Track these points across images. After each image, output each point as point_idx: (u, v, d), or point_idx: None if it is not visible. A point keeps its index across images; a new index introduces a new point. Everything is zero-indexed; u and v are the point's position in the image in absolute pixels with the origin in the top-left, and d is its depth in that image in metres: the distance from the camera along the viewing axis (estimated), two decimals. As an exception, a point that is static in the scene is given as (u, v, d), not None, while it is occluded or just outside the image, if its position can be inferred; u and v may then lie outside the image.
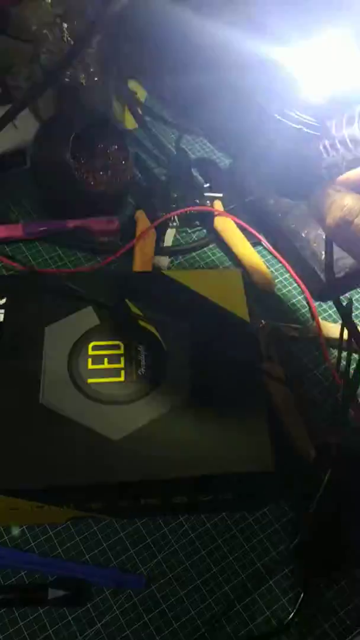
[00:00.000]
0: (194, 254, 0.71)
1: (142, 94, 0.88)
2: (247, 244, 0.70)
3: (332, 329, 0.64)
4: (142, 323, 0.54)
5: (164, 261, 0.69)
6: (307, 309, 0.67)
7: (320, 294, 0.68)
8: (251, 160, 0.43)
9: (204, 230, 0.73)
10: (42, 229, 0.69)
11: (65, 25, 0.71)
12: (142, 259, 0.67)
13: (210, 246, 0.72)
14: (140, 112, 0.84)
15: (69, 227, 0.69)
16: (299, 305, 0.67)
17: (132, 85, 0.87)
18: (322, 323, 0.63)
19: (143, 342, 0.53)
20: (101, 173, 0.69)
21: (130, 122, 0.83)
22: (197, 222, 0.74)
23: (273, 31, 0.40)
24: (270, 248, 0.70)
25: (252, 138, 0.46)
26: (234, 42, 0.44)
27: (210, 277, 0.58)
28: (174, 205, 0.71)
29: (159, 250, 0.70)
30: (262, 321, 0.63)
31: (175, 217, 0.71)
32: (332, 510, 0.50)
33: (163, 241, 0.71)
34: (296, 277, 0.68)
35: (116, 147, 0.71)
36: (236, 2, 0.48)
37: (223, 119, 0.58)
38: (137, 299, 0.55)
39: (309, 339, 0.64)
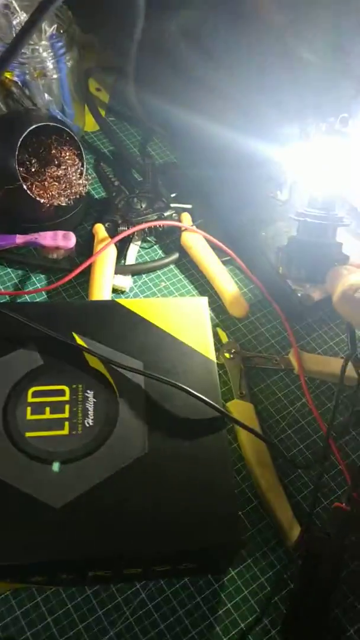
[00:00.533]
0: (159, 272, 0.64)
1: (105, 93, 0.80)
2: (218, 262, 0.63)
3: (311, 359, 0.57)
4: (91, 362, 0.47)
5: (126, 281, 0.62)
6: (283, 335, 0.60)
7: (298, 317, 0.62)
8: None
9: (171, 246, 0.66)
10: (-12, 245, 0.62)
11: (15, 14, 0.63)
12: (101, 279, 0.59)
13: (178, 264, 0.65)
14: (102, 113, 0.77)
15: (18, 243, 0.62)
16: (274, 331, 0.61)
17: (95, 81, 0.80)
18: (301, 353, 0.57)
19: (92, 386, 0.46)
20: (54, 182, 0.61)
21: (90, 124, 0.75)
22: (163, 237, 0.67)
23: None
24: (243, 266, 0.63)
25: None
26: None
27: (171, 306, 0.51)
28: (137, 219, 0.64)
29: (121, 268, 0.62)
30: (232, 350, 0.57)
31: (139, 231, 0.64)
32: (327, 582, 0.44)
33: (125, 258, 0.64)
34: (271, 300, 0.62)
35: (72, 153, 0.63)
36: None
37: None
38: (88, 333, 0.48)
39: (286, 370, 0.57)
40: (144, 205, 0.65)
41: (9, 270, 0.63)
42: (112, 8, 0.68)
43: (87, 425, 0.44)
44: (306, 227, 0.49)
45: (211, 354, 0.48)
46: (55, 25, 0.65)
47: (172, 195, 0.68)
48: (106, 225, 0.64)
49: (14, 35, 0.63)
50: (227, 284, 0.61)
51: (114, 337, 0.48)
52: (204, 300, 0.52)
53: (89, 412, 0.44)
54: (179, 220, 0.65)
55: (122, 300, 0.51)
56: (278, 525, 0.48)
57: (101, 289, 0.59)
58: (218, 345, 0.58)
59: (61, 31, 0.64)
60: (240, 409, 0.53)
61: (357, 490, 0.46)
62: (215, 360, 0.48)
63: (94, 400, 0.45)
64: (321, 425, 0.54)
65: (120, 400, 0.45)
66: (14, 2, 0.62)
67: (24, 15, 0.63)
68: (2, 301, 0.60)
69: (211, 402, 0.44)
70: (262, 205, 0.62)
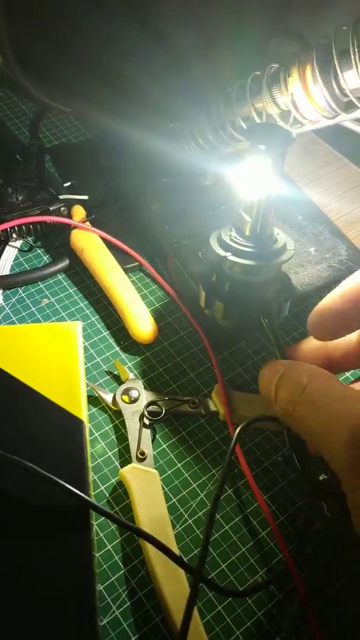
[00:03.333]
0: (41, 285, 0.48)
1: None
2: (118, 271, 0.47)
3: (243, 399, 0.41)
4: None
5: (-4, 297, 0.46)
6: (207, 365, 0.45)
7: (228, 340, 0.46)
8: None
9: (61, 250, 0.50)
10: None
11: None
12: None
13: (68, 273, 0.49)
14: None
15: None
16: (194, 361, 0.45)
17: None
18: (229, 391, 0.41)
19: None
20: None
21: None
22: (51, 239, 0.51)
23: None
24: (155, 274, 0.48)
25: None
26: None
27: (28, 337, 0.35)
28: (11, 214, 0.48)
29: (-10, 281, 0.46)
30: (133, 391, 0.41)
31: (15, 230, 0.48)
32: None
33: (-3, 267, 0.48)
34: (191, 317, 0.46)
35: None
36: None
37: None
38: None
39: (208, 415, 0.42)
40: (20, 197, 0.49)
41: None
42: None
43: None
44: (231, 263, 0.34)
45: (80, 410, 0.32)
46: None
47: (66, 184, 0.53)
48: (-30, 223, 0.47)
49: None
50: (129, 299, 0.45)
51: None
52: (77, 326, 0.36)
53: None
54: (70, 217, 0.49)
55: None
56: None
57: None
58: (116, 384, 0.42)
59: None
60: (137, 479, 0.37)
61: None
62: (84, 419, 0.32)
63: None
64: (256, 495, 0.38)
65: None
66: None
67: None
68: None
69: (70, 487, 0.28)
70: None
